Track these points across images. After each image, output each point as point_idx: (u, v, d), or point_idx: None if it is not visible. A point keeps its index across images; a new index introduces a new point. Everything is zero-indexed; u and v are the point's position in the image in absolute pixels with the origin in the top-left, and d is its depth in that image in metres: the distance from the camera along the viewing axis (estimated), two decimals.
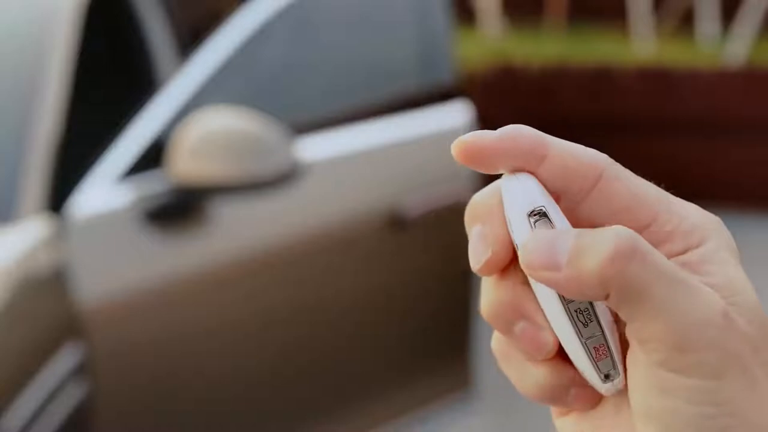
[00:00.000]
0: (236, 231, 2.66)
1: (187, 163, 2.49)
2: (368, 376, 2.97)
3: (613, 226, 0.45)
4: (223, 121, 2.57)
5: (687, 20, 6.35)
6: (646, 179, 0.49)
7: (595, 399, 0.48)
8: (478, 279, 0.49)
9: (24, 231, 2.32)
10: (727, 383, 0.44)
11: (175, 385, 2.60)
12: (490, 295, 0.48)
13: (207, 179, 2.50)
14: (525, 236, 0.46)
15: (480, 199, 0.48)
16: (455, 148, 0.47)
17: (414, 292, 3.05)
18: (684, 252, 0.46)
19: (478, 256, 0.48)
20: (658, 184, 0.48)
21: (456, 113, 3.08)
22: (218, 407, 2.67)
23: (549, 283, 0.45)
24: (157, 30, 3.17)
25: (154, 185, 2.54)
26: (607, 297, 0.45)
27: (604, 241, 0.44)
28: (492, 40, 6.14)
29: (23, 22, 2.71)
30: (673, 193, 0.48)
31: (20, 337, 2.21)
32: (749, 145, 5.70)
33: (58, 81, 2.52)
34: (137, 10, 3.14)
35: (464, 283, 3.02)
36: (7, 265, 2.23)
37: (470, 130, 0.45)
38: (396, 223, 2.89)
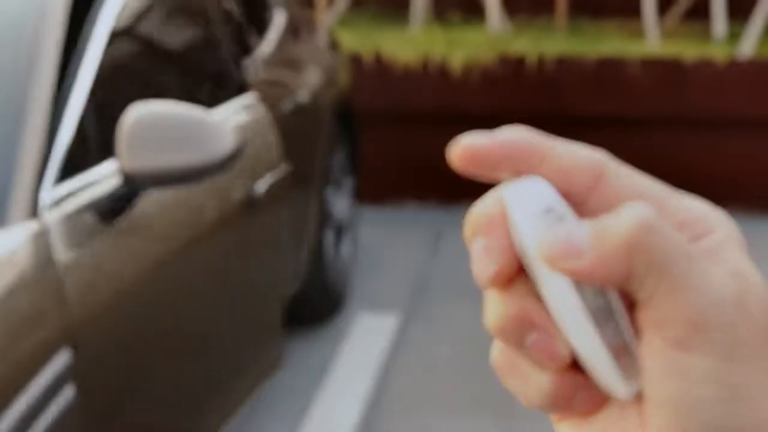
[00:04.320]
0: (163, 222, 2.74)
1: (130, 155, 2.48)
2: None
3: (628, 203, 0.45)
4: (159, 111, 2.57)
5: (696, 17, 6.31)
6: (653, 175, 0.48)
7: (600, 402, 0.47)
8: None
9: (12, 233, 2.31)
10: (740, 365, 0.44)
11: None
12: (496, 309, 0.47)
13: (150, 169, 2.50)
14: (540, 235, 0.45)
15: (480, 211, 0.47)
16: (454, 154, 0.46)
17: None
18: (693, 241, 0.46)
19: (484, 269, 0.46)
20: (660, 181, 0.48)
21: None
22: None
23: (573, 273, 0.44)
24: None
25: (101, 181, 2.54)
26: (630, 275, 0.44)
27: (625, 216, 0.44)
28: (497, 34, 6.13)
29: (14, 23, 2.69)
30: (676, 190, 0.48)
31: (8, 340, 2.17)
32: (758, 142, 5.65)
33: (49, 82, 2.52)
34: None
35: None
36: None
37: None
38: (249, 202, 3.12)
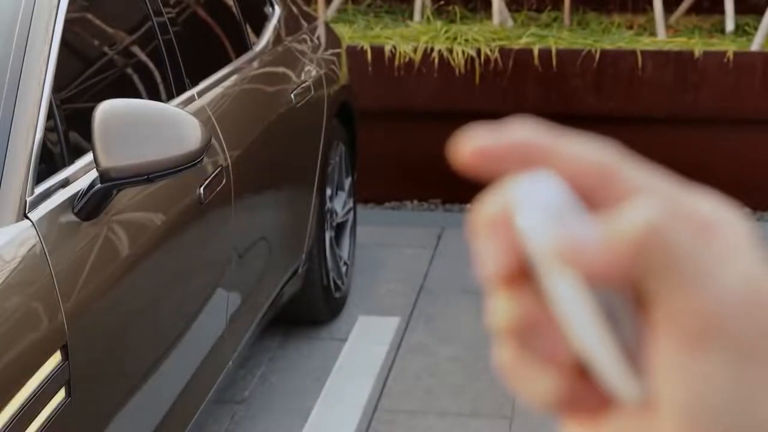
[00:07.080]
0: (144, 216, 2.80)
1: (105, 151, 2.47)
2: None
3: (638, 200, 0.45)
4: (129, 106, 2.57)
5: (703, 12, 6.28)
6: (662, 171, 0.48)
7: (606, 404, 0.47)
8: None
9: (4, 235, 2.31)
10: (753, 365, 0.44)
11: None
12: (502, 309, 0.47)
13: (126, 165, 2.49)
14: (551, 231, 0.44)
15: (486, 208, 0.46)
16: (458, 153, 0.46)
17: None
18: (704, 238, 0.45)
19: (490, 269, 0.46)
20: (670, 175, 0.47)
21: None
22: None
23: (584, 271, 0.44)
24: None
25: (77, 179, 2.55)
26: (641, 274, 0.44)
27: (634, 214, 0.44)
28: (500, 28, 6.10)
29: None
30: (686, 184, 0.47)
31: (3, 343, 2.16)
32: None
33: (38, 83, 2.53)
34: None
35: None
36: None
37: None
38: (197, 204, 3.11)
